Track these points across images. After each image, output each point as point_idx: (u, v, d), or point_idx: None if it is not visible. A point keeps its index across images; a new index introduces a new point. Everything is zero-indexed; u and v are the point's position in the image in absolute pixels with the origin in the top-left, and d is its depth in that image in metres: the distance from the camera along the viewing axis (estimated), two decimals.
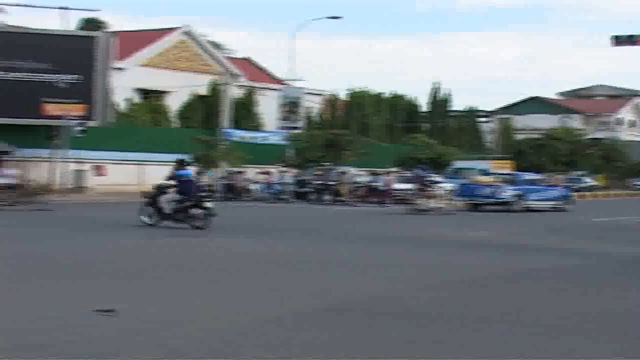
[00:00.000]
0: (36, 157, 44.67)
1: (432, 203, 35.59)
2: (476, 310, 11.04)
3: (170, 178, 23.76)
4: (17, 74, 43.76)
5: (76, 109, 44.02)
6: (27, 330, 8.98)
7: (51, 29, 46.18)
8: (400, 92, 73.93)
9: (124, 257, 16.45)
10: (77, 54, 44.52)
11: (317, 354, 8.35)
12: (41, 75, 44.06)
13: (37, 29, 46.14)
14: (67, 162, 44.93)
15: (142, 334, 9.01)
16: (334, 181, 44.48)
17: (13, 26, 48.95)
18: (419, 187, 36.36)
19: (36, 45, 44.19)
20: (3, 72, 43.63)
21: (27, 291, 11.77)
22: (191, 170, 24.74)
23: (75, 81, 44.35)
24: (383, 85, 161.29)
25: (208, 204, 23.00)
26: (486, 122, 78.52)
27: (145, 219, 23.40)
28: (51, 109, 43.78)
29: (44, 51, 44.09)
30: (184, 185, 23.24)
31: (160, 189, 23.73)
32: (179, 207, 23.05)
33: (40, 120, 43.81)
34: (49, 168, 44.85)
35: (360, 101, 67.87)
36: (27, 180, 36.52)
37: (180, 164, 23.93)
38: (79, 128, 43.95)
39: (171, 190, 23.45)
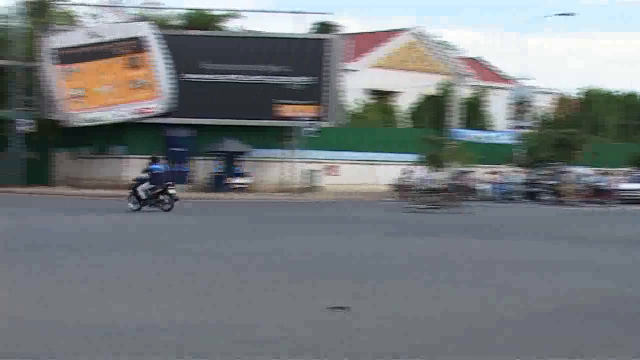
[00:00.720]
0: (269, 158, 46.18)
1: None
2: None
3: (144, 171, 29.25)
4: (252, 77, 45.43)
5: (309, 110, 45.19)
6: (261, 325, 9.38)
7: (284, 33, 47.57)
8: (634, 90, 71.40)
9: (364, 255, 16.77)
10: (309, 57, 45.71)
11: (558, 353, 8.35)
12: (275, 77, 45.50)
13: (271, 33, 47.64)
14: (300, 162, 46.18)
15: (377, 331, 9.21)
16: (556, 181, 43.75)
17: (249, 31, 50.72)
18: None
19: (271, 48, 45.72)
20: (239, 76, 45.40)
21: (269, 287, 12.27)
22: (161, 165, 29.95)
23: (308, 83, 45.50)
24: (616, 83, 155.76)
25: (172, 191, 28.56)
26: None
27: (131, 205, 28.66)
28: (285, 110, 45.16)
29: (278, 54, 45.56)
30: (154, 177, 28.74)
31: (138, 181, 29.05)
32: (151, 194, 28.51)
33: (274, 121, 45.25)
34: (282, 168, 46.27)
35: (592, 100, 66.14)
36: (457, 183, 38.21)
37: (153, 160, 29.71)
38: (312, 129, 45.10)
39: (146, 181, 28.83)
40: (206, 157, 45.04)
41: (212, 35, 47.56)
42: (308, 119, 44.86)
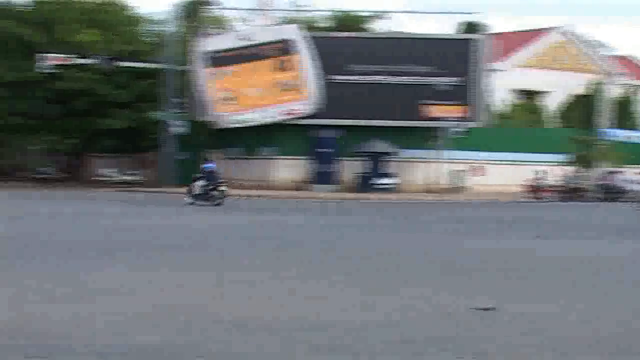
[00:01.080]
0: (415, 158, 46.29)
1: None
2: None
3: (200, 170, 32.97)
4: (399, 77, 45.59)
5: (455, 111, 45.10)
6: (408, 324, 9.59)
7: (431, 34, 47.60)
8: None
9: (504, 256, 16.79)
10: (456, 57, 45.59)
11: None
12: (422, 78, 45.53)
13: (418, 34, 47.68)
14: (446, 162, 46.14)
15: (522, 333, 9.29)
16: None
17: (395, 32, 50.91)
18: None
19: (417, 49, 45.79)
20: (386, 77, 45.64)
21: (410, 286, 12.48)
22: (214, 164, 33.54)
23: (454, 83, 45.40)
24: None
25: (223, 188, 32.12)
26: None
27: (187, 199, 32.22)
28: (431, 111, 45.19)
29: (424, 55, 45.60)
30: (208, 175, 32.41)
31: (194, 178, 32.77)
32: (204, 190, 32.07)
33: (421, 122, 45.32)
34: (428, 169, 46.30)
35: None
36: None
37: (206, 160, 34.09)
38: (458, 129, 45.02)
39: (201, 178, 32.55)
40: (352, 158, 45.46)
41: (358, 36, 47.97)
42: (455, 119, 44.79)
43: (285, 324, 9.31)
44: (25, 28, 50.31)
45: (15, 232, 19.80)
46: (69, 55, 46.45)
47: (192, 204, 31.68)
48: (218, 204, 31.23)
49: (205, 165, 33.18)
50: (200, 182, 32.47)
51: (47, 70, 46.75)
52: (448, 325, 9.47)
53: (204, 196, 31.96)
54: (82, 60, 46.94)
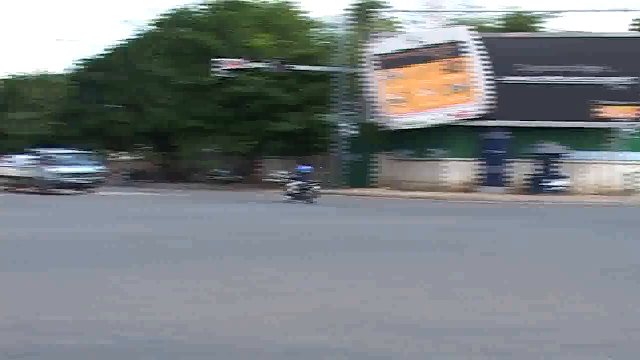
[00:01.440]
0: (587, 160, 45.33)
1: None
2: None
3: (295, 171, 36.27)
4: (569, 78, 44.83)
5: (629, 111, 43.99)
6: (580, 328, 9.62)
7: (603, 32, 46.47)
8: None
9: None
10: (630, 56, 44.44)
11: None
12: (594, 78, 44.62)
13: (589, 33, 46.69)
14: (620, 164, 45.04)
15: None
16: None
17: (566, 31, 50.04)
18: None
19: (589, 48, 44.88)
20: (556, 77, 44.95)
21: (597, 290, 12.40)
22: (309, 166, 36.69)
23: (628, 83, 44.30)
24: None
25: (315, 187, 35.10)
26: None
27: (285, 198, 35.28)
28: (604, 111, 44.22)
29: (596, 54, 44.65)
30: (302, 176, 35.68)
31: (291, 179, 36.00)
32: (299, 189, 35.25)
33: (593, 123, 44.40)
34: (600, 170, 45.28)
35: None
36: None
37: (300, 162, 38.00)
38: (633, 130, 43.94)
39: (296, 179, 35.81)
40: (522, 159, 44.96)
41: (529, 36, 47.40)
42: (629, 120, 43.72)
43: (443, 327, 9.46)
44: (201, 34, 51.94)
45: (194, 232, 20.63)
46: (243, 60, 47.65)
47: (289, 202, 34.70)
48: (311, 202, 34.16)
49: (300, 168, 36.51)
50: (295, 183, 35.69)
51: (222, 75, 48.11)
52: (617, 330, 9.43)
53: (299, 195, 35.17)
54: (256, 65, 48.07)
